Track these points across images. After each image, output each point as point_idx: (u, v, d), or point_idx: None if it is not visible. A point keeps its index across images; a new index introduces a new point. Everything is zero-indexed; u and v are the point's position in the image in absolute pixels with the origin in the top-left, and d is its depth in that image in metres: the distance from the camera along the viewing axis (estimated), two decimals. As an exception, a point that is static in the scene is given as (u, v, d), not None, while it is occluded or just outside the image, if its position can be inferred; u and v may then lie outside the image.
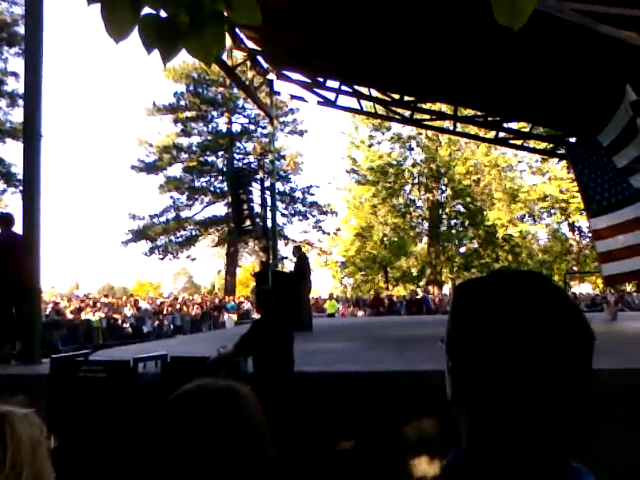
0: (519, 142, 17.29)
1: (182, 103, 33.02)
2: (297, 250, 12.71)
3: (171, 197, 33.74)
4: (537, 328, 0.78)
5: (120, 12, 1.33)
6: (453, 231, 35.78)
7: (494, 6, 1.39)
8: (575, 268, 33.43)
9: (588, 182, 11.98)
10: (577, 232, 34.73)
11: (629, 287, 24.54)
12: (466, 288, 0.90)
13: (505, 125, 16.17)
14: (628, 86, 9.07)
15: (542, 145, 18.57)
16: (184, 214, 34.05)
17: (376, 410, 5.35)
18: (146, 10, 1.35)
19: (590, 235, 14.87)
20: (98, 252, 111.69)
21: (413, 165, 34.92)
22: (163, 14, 1.38)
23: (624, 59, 8.53)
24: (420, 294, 27.20)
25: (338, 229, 36.80)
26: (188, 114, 33.15)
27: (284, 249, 32.56)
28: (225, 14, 1.35)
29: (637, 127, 9.06)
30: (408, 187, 35.59)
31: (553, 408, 0.77)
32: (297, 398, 5.18)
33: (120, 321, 19.34)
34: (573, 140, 14.46)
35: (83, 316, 18.16)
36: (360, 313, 24.55)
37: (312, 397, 5.48)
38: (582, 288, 31.68)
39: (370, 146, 34.55)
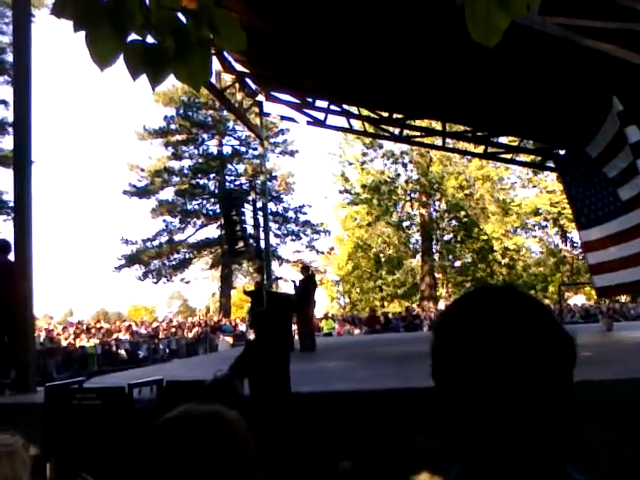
0: (509, 156, 17.42)
1: (172, 127, 33.11)
2: (304, 270, 12.65)
3: (164, 221, 33.69)
4: (517, 343, 0.78)
5: (105, 40, 1.34)
6: (448, 246, 35.84)
7: (469, 24, 1.41)
8: (570, 279, 33.54)
9: (577, 194, 12.06)
10: (570, 244, 34.88)
11: (623, 298, 24.59)
12: (447, 307, 0.91)
13: (494, 139, 16.30)
14: (614, 97, 9.17)
15: (531, 158, 18.72)
16: (177, 237, 34.00)
17: (374, 428, 5.31)
18: (132, 37, 1.38)
19: (581, 247, 14.92)
20: (91, 278, 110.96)
21: (406, 182, 35.06)
22: (149, 40, 1.40)
23: (609, 71, 8.64)
24: (416, 310, 27.18)
25: (332, 248, 36.82)
26: (179, 137, 33.21)
27: (278, 269, 32.54)
28: (211, 39, 1.38)
29: (625, 137, 9.15)
30: (401, 203, 35.69)
31: (537, 421, 0.77)
32: (294, 419, 5.14)
33: (115, 347, 19.20)
34: (562, 152, 14.56)
35: (78, 343, 18.03)
36: (356, 331, 24.45)
37: (309, 417, 5.44)
38: (576, 299, 31.72)
39: (363, 164, 34.68)
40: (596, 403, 5.11)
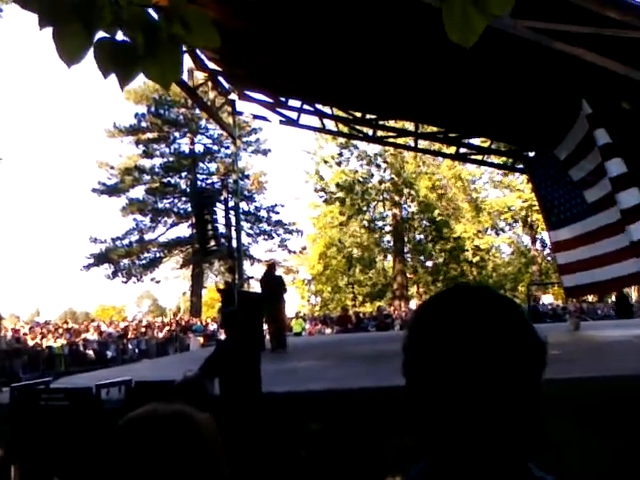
0: (480, 157, 17.60)
1: (143, 124, 32.76)
2: (270, 267, 12.51)
3: (134, 219, 33.33)
4: (488, 343, 0.79)
5: (73, 36, 1.31)
6: (419, 246, 36.11)
7: (447, 25, 1.42)
8: (539, 279, 34.06)
9: (546, 195, 12.25)
10: (539, 244, 35.44)
11: (591, 297, 25.06)
12: (419, 306, 0.92)
13: (466, 141, 16.45)
14: (584, 100, 9.33)
15: (502, 160, 18.96)
16: (147, 236, 33.64)
17: (347, 427, 5.32)
18: (101, 34, 1.35)
19: (551, 247, 15.16)
20: (59, 277, 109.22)
21: (380, 182, 35.21)
22: (119, 37, 1.38)
23: (578, 75, 8.79)
24: (387, 310, 27.34)
25: (304, 248, 36.81)
26: (150, 135, 32.87)
27: (250, 269, 32.40)
28: (182, 37, 1.35)
29: (594, 140, 9.31)
30: (374, 203, 35.84)
31: (503, 418, 0.78)
32: (265, 419, 5.12)
33: (82, 347, 18.92)
34: (532, 154, 14.78)
35: (45, 343, 17.72)
36: (328, 331, 24.50)
37: (281, 417, 5.43)
38: (545, 299, 32.21)
39: (339, 164, 34.72)
40: (563, 400, 5.20)
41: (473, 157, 17.63)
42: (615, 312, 20.30)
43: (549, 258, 32.26)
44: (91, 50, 1.34)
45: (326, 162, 34.76)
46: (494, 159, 19.26)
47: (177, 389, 5.21)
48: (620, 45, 7.68)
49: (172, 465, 1.04)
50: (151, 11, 1.36)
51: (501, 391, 0.78)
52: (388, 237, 36.69)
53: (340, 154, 34.68)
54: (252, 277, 26.70)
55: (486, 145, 17.05)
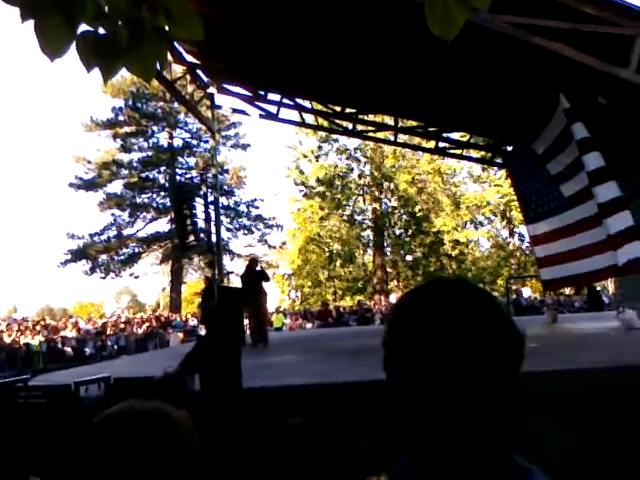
0: (459, 151, 17.70)
1: (121, 118, 32.44)
2: (252, 262, 12.46)
3: (112, 214, 33.05)
4: (468, 337, 0.79)
5: (55, 30, 1.29)
6: (399, 241, 36.25)
7: (429, 18, 1.42)
8: (517, 273, 34.42)
9: (524, 189, 12.36)
10: (518, 237, 35.79)
11: (568, 290, 25.41)
12: (399, 300, 0.91)
13: (445, 135, 16.51)
14: (562, 95, 9.40)
15: (481, 154, 19.09)
16: (126, 231, 33.39)
17: (328, 422, 5.33)
18: (84, 27, 1.32)
19: (529, 241, 15.32)
20: (36, 273, 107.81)
21: (360, 176, 35.26)
22: (102, 31, 1.35)
23: (556, 69, 8.87)
24: (367, 304, 27.45)
25: (284, 242, 36.77)
26: (127, 129, 32.57)
27: (229, 264, 32.31)
28: (166, 29, 1.34)
29: (571, 134, 9.39)
30: (354, 197, 35.89)
31: (485, 411, 0.78)
32: (246, 414, 5.11)
33: (61, 344, 18.72)
34: (510, 148, 14.88)
35: (22, 340, 17.50)
36: (308, 325, 24.53)
37: (261, 412, 5.42)
38: (523, 292, 32.56)
39: (317, 158, 34.68)
40: (540, 393, 5.26)
41: (452, 151, 17.71)
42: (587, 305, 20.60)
43: (527, 252, 32.58)
44: (74, 44, 1.33)
45: (306, 156, 34.71)
46: (473, 153, 19.41)
47: (157, 385, 5.18)
48: (597, 40, 7.77)
49: (147, 463, 1.03)
50: (134, 4, 1.35)
51: (481, 383, 0.78)
52: (368, 231, 36.78)
53: (320, 148, 34.64)
54: (232, 272, 26.63)
55: (465, 139, 17.15)
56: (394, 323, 0.87)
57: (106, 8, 1.32)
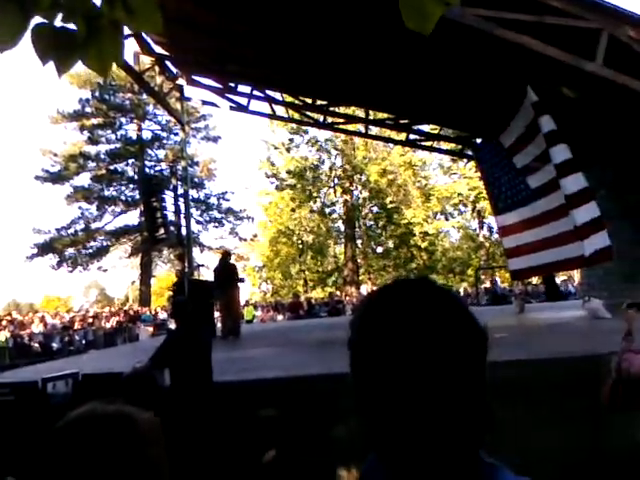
0: (429, 144, 17.79)
1: (88, 110, 31.85)
2: (225, 255, 12.46)
3: (79, 207, 32.52)
4: (430, 333, 0.81)
5: (7, 21, 1.24)
6: (370, 232, 36.40)
7: (403, 12, 1.40)
8: (486, 263, 34.86)
9: (493, 181, 12.50)
10: (487, 229, 36.21)
11: (535, 280, 25.77)
12: (364, 301, 0.93)
13: (416, 127, 16.58)
14: (529, 88, 9.50)
15: (451, 146, 19.22)
16: (94, 225, 32.86)
17: (296, 416, 5.33)
18: (38, 19, 1.27)
19: (498, 231, 15.51)
20: (2, 268, 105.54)
21: (330, 168, 35.26)
22: (58, 23, 1.31)
23: (524, 62, 8.95)
24: (338, 295, 27.54)
25: (255, 235, 36.64)
26: (95, 121, 32.00)
27: (200, 257, 32.07)
28: (124, 23, 1.29)
29: (539, 127, 9.49)
30: (325, 189, 35.90)
31: (450, 406, 0.80)
32: (216, 409, 5.08)
33: (27, 339, 18.39)
34: (479, 141, 15.01)
35: (-13, 336, 17.16)
36: (280, 317, 24.51)
37: (231, 407, 5.39)
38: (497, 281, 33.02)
39: (289, 150, 34.55)
40: (507, 382, 5.33)
41: (423, 143, 17.80)
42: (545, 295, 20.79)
43: (496, 242, 32.98)
44: (28, 35, 1.28)
45: (277, 148, 34.56)
46: (443, 145, 19.53)
47: (126, 382, 5.12)
48: (564, 34, 7.86)
49: (108, 467, 1.02)
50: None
51: (446, 381, 0.80)
52: (339, 223, 36.85)
53: (291, 140, 34.53)
54: (202, 265, 26.40)
55: (436, 132, 17.24)
56: (360, 325, 0.88)
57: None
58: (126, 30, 1.38)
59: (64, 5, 1.31)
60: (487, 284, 28.35)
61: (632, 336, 3.09)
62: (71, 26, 1.30)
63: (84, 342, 19.87)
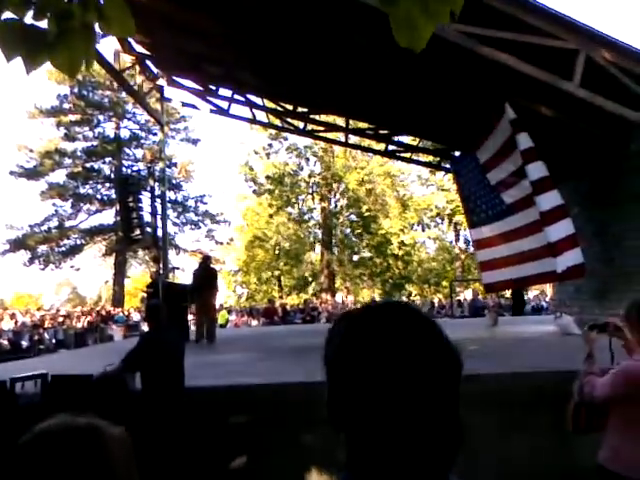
0: (408, 155, 17.88)
1: (65, 106, 31.49)
2: (205, 259, 12.40)
3: (53, 204, 32.07)
4: (407, 357, 0.84)
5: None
6: (346, 240, 36.43)
7: (395, 30, 1.41)
8: (461, 275, 35.11)
9: (469, 195, 12.59)
10: (463, 241, 36.46)
11: (508, 293, 26.02)
12: (342, 319, 0.95)
13: (395, 138, 16.66)
14: (507, 105, 9.60)
15: (430, 158, 19.35)
16: (68, 223, 32.44)
17: (270, 424, 5.29)
18: (8, 15, 1.24)
19: (472, 245, 15.64)
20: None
21: (309, 175, 35.27)
22: (28, 20, 1.28)
23: (503, 79, 9.06)
24: (314, 302, 27.49)
25: (231, 239, 36.47)
26: (72, 118, 31.64)
27: (175, 258, 31.85)
28: (96, 26, 1.27)
29: (516, 143, 9.59)
30: (303, 196, 35.89)
31: (424, 429, 0.83)
32: (187, 414, 5.02)
33: (-5, 336, 18.05)
34: (458, 154, 15.12)
35: (-47, 332, 16.80)
36: (254, 323, 24.39)
37: (203, 412, 5.34)
38: (467, 294, 33.23)
39: (268, 155, 34.47)
40: (479, 395, 5.36)
41: (402, 154, 17.88)
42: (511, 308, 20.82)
43: (472, 255, 33.24)
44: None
45: (257, 153, 34.47)
46: (422, 157, 19.65)
47: (96, 384, 5.04)
48: (543, 52, 7.98)
49: None
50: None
51: (421, 403, 0.83)
52: (316, 230, 36.84)
53: (270, 145, 34.47)
54: (178, 268, 26.22)
55: (415, 143, 17.36)
56: (339, 346, 0.90)
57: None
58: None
59: (36, 3, 1.28)
60: (466, 296, 28.50)
61: (593, 358, 3.12)
62: (42, 24, 1.29)
63: (54, 341, 19.55)
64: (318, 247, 36.85)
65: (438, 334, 0.89)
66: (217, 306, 24.22)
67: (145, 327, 14.88)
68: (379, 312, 0.93)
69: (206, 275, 11.68)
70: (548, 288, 25.71)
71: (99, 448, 1.03)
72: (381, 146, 17.64)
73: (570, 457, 4.71)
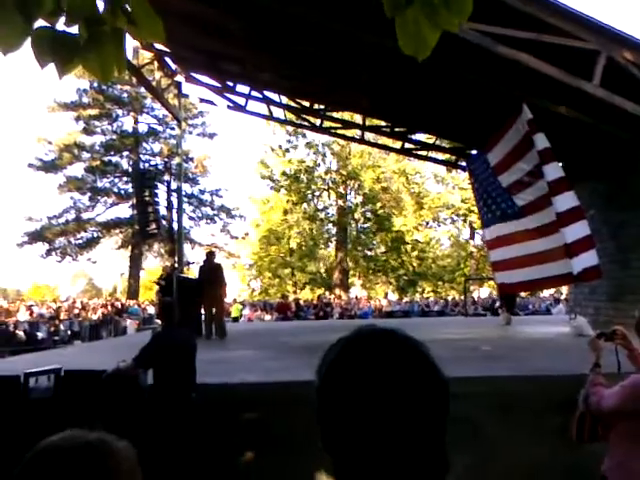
0: (424, 153, 17.81)
1: (85, 100, 31.73)
2: (210, 255, 12.45)
3: (71, 198, 32.37)
4: (395, 385, 0.87)
5: (10, 23, 1.24)
6: (362, 236, 36.41)
7: (400, 37, 1.42)
8: (475, 273, 34.94)
9: (482, 194, 12.51)
10: (479, 238, 36.24)
11: (523, 293, 25.86)
12: (336, 345, 0.96)
13: (411, 136, 16.60)
14: (524, 105, 9.55)
15: (447, 157, 19.26)
16: (85, 215, 32.75)
17: (279, 422, 5.31)
18: (41, 22, 1.28)
19: (485, 244, 15.52)
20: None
21: (326, 172, 35.27)
22: (60, 27, 1.32)
23: (522, 79, 9.01)
24: (327, 298, 27.54)
25: (246, 233, 36.59)
26: (91, 112, 31.87)
27: (191, 252, 32.01)
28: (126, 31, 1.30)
29: (533, 143, 9.53)
30: (319, 193, 35.90)
31: (408, 457, 0.86)
32: (197, 411, 5.06)
33: (13, 327, 18.27)
34: (474, 152, 15.03)
35: (-29, 322, 17.04)
36: (267, 317, 24.48)
37: (213, 409, 5.37)
38: (482, 292, 33.12)
39: (287, 151, 34.49)
40: (493, 397, 5.36)
41: (418, 152, 17.82)
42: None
43: (486, 253, 33.03)
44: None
45: (273, 150, 34.52)
46: (438, 155, 19.56)
47: (108, 380, 5.10)
48: (562, 52, 7.92)
49: None
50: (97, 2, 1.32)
51: (408, 431, 0.86)
52: (330, 226, 36.84)
53: (289, 141, 34.50)
54: (192, 262, 26.28)
55: (431, 141, 17.27)
56: (328, 377, 0.93)
57: (65, 4, 1.29)
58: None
59: (67, 10, 1.32)
60: (480, 294, 28.31)
61: (600, 367, 3.09)
62: (73, 30, 1.32)
63: (69, 332, 19.75)
64: (332, 243, 36.88)
65: (426, 362, 0.91)
66: (231, 300, 24.44)
67: (159, 321, 14.99)
68: (365, 342, 0.94)
69: (211, 270, 11.72)
70: (563, 289, 25.53)
71: (106, 464, 1.04)
72: (397, 144, 17.58)
73: (578, 464, 4.69)
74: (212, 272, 11.64)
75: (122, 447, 1.10)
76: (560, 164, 9.35)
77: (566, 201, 9.13)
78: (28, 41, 1.31)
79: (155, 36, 1.39)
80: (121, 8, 1.32)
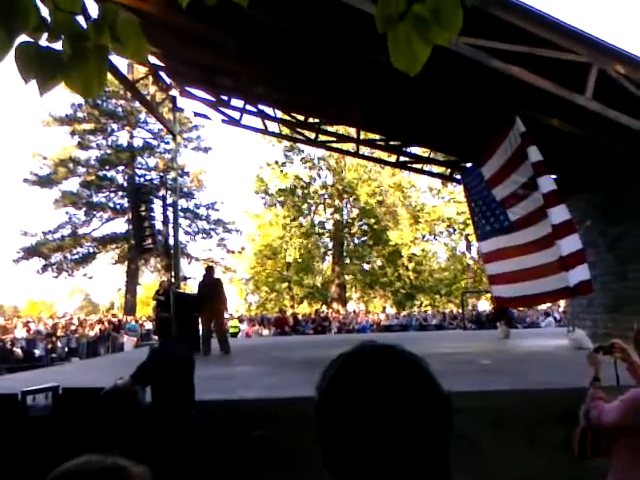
0: (419, 166, 17.85)
1: (80, 114, 31.78)
2: (209, 270, 12.37)
3: (67, 213, 32.30)
4: (396, 402, 0.86)
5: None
6: (359, 250, 36.37)
7: (392, 53, 1.41)
8: (473, 286, 34.91)
9: (476, 207, 12.52)
10: (475, 251, 36.27)
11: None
12: (336, 361, 0.96)
13: (406, 149, 16.65)
14: (517, 118, 9.58)
15: (441, 169, 19.31)
16: (81, 230, 32.67)
17: (283, 439, 5.26)
18: (23, 38, 1.26)
19: (481, 258, 15.52)
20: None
21: (322, 187, 35.31)
22: (43, 42, 1.29)
23: (514, 92, 9.03)
24: (325, 312, 27.46)
25: (243, 248, 36.53)
26: (86, 126, 31.92)
27: (187, 267, 31.94)
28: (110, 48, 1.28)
29: (526, 156, 9.55)
30: (314, 207, 35.90)
31: (414, 473, 0.85)
32: (196, 428, 5.00)
33: (10, 344, 18.15)
34: (469, 165, 15.06)
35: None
36: (265, 332, 24.38)
37: (214, 427, 5.32)
38: (480, 305, 33.04)
39: (283, 165, 34.51)
40: (490, 412, 5.31)
41: (413, 165, 17.85)
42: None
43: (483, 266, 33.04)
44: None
45: (269, 165, 34.54)
46: (433, 168, 19.62)
47: (105, 398, 5.04)
48: (555, 66, 7.96)
49: None
50: (79, 19, 1.30)
51: (410, 449, 0.85)
52: (327, 240, 36.82)
53: (286, 156, 34.53)
54: (190, 277, 26.20)
55: (426, 154, 17.33)
56: (329, 393, 0.92)
57: (50, 20, 1.26)
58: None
59: (51, 26, 1.30)
60: (477, 307, 28.26)
61: (599, 381, 3.06)
62: (56, 46, 1.30)
63: (67, 349, 19.62)
64: (328, 257, 36.84)
65: (427, 379, 0.91)
66: (227, 316, 24.35)
67: (156, 338, 14.91)
68: (365, 359, 0.94)
69: (211, 285, 11.62)
70: (563, 302, 25.55)
71: None
72: (392, 157, 17.63)
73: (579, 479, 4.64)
74: (212, 287, 11.54)
75: (139, 472, 1.08)
76: (553, 177, 9.36)
77: (560, 214, 9.16)
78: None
79: (138, 55, 1.37)
80: (108, 25, 1.30)
